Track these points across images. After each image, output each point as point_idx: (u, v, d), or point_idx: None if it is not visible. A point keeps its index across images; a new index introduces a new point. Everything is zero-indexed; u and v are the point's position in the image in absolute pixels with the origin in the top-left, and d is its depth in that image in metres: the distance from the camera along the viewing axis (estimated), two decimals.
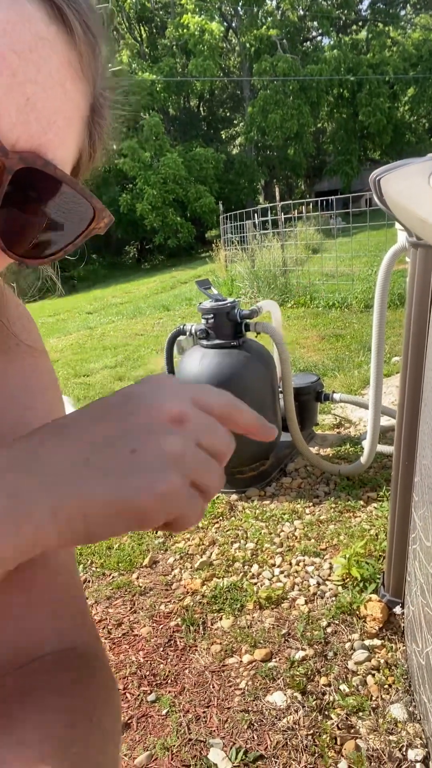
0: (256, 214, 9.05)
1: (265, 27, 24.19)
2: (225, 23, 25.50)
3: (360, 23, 28.42)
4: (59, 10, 0.32)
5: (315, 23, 26.38)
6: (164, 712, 1.47)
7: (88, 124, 0.38)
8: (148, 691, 1.54)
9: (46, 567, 0.44)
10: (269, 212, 8.51)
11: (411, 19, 28.39)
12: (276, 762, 1.29)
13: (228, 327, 2.39)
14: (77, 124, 0.36)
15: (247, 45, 24.49)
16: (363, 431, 2.98)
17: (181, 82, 22.84)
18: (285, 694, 1.46)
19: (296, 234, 9.41)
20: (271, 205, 8.40)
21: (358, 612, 1.69)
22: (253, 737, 1.36)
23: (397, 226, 1.49)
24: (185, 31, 21.45)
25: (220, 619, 1.77)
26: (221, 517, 2.35)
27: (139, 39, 24.95)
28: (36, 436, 0.32)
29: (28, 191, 0.34)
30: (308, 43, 28.11)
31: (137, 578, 2.05)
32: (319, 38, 28.16)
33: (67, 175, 0.34)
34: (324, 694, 1.45)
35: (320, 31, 26.52)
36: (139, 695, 1.53)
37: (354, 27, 28.81)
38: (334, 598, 1.78)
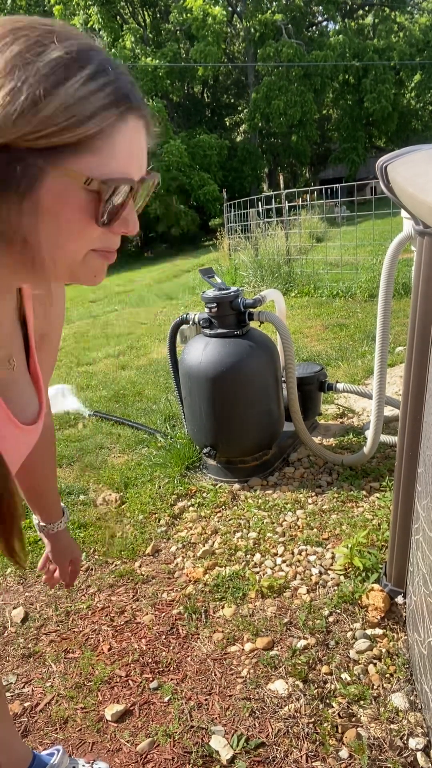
0: (259, 203, 8.98)
1: (270, 12, 23.81)
2: (229, 8, 25.12)
3: (366, 8, 27.99)
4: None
5: (320, 8, 25.94)
6: (166, 699, 1.48)
7: None
8: (151, 679, 1.55)
9: None
10: (273, 200, 8.44)
11: (418, 3, 27.92)
12: (277, 749, 1.30)
13: (231, 316, 2.38)
14: None
15: (252, 30, 24.11)
16: (366, 421, 2.97)
17: (184, 68, 22.54)
18: (286, 683, 1.47)
19: (300, 222, 9.34)
20: (275, 193, 8.33)
21: (359, 601, 1.70)
22: (255, 725, 1.37)
23: (403, 214, 1.48)
24: (189, 15, 21.13)
25: (222, 607, 1.78)
26: (224, 507, 2.36)
27: (143, 24, 24.60)
28: None
29: None
30: (313, 28, 27.71)
31: (140, 566, 2.06)
32: (324, 23, 27.76)
33: None
34: (325, 682, 1.46)
35: (326, 16, 26.10)
36: (141, 683, 1.55)
37: (360, 12, 28.38)
38: (336, 588, 1.78)
